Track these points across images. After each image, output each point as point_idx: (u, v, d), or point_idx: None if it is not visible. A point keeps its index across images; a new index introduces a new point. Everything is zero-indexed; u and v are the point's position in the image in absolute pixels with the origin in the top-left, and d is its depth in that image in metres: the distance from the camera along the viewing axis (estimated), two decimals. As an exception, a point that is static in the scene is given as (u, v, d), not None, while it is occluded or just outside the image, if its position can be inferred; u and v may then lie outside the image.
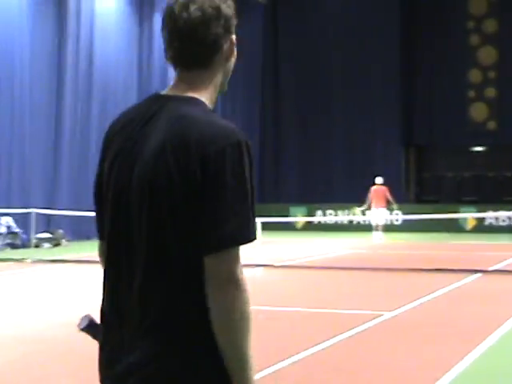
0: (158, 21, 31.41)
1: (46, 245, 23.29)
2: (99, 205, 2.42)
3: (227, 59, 2.41)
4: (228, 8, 2.37)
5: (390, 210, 26.61)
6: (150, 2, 30.84)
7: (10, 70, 23.96)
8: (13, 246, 22.65)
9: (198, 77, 2.35)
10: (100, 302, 2.38)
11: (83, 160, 27.30)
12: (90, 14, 27.41)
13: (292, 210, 32.65)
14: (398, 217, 28.43)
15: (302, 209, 32.73)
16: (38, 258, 18.29)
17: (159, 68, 32.17)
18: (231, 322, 2.14)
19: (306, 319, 10.58)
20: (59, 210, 23.93)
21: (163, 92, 2.39)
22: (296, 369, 7.54)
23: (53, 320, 10.26)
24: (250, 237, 2.18)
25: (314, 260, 19.30)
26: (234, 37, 2.41)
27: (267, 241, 20.46)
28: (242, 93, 36.87)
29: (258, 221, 19.02)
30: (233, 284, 2.15)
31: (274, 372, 7.30)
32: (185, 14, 2.29)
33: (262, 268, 17.16)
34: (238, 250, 2.17)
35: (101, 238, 2.45)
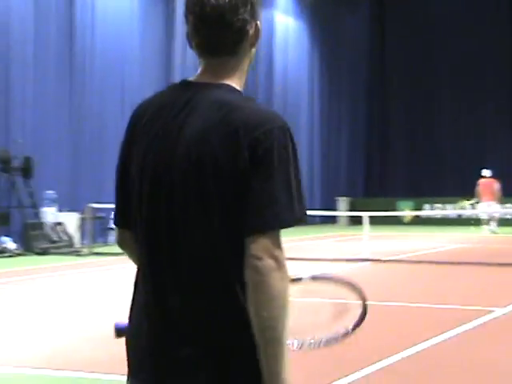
0: (264, 16, 31.52)
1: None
2: (123, 190, 2.38)
3: (252, 45, 2.38)
4: None
5: (502, 203, 26.03)
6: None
7: (120, 72, 24.52)
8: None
9: (227, 63, 2.32)
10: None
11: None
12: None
13: (399, 204, 32.26)
14: (510, 210, 27.77)
15: (410, 203, 32.31)
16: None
17: (265, 62, 32.32)
18: (269, 301, 2.07)
19: (414, 314, 10.44)
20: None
21: (192, 79, 2.35)
22: (407, 364, 7.46)
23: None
24: (293, 220, 2.16)
25: (422, 254, 19.02)
26: (258, 23, 2.37)
27: (374, 235, 20.28)
28: (347, 87, 36.77)
29: (365, 215, 18.89)
30: (273, 265, 2.09)
31: (385, 367, 7.24)
32: (212, 0, 2.25)
33: (369, 263, 17.03)
34: (278, 232, 2.15)
35: (123, 225, 2.39)
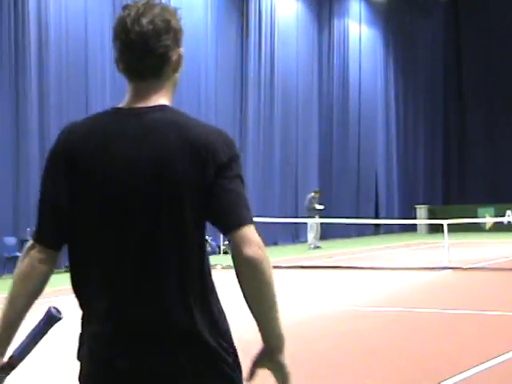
0: (337, 25, 31.52)
1: (234, 251, 23.86)
2: (55, 216, 2.45)
3: (175, 70, 2.53)
4: (177, 21, 2.49)
5: None
6: (328, 7, 31.02)
7: (195, 80, 24.80)
8: (203, 253, 23.36)
9: (153, 86, 2.49)
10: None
11: (267, 167, 27.80)
12: (270, 23, 27.94)
13: (480, 211, 31.71)
14: None
15: (490, 209, 31.72)
16: (227, 264, 18.76)
17: (339, 72, 32.28)
18: (260, 274, 2.39)
19: (498, 323, 10.24)
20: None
21: (124, 105, 2.49)
22: (493, 374, 7.32)
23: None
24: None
25: (504, 262, 18.65)
26: (182, 49, 2.53)
27: (454, 243, 19.99)
28: (422, 94, 36.47)
29: (445, 223, 18.64)
30: (257, 245, 2.39)
31: (472, 375, 7.13)
32: (137, 27, 2.42)
33: (450, 271, 16.78)
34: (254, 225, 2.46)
35: (52, 246, 2.47)
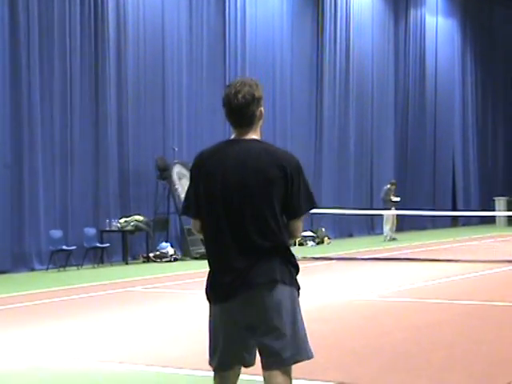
0: (413, 16, 31.21)
1: (310, 243, 23.89)
2: (197, 198, 4.23)
3: (259, 120, 4.26)
4: (259, 92, 4.22)
5: None
6: (405, -3, 30.78)
7: (270, 71, 24.85)
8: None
9: (247, 130, 4.24)
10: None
11: (343, 160, 27.70)
12: (345, 12, 27.81)
13: None
14: None
15: None
16: (303, 255, 18.79)
17: (415, 64, 31.96)
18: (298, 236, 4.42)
19: None
20: (321, 208, 24.43)
21: (233, 138, 4.27)
22: None
23: (315, 316, 10.51)
24: (310, 208, 4.26)
25: None
26: (262, 109, 4.26)
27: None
28: (501, 85, 35.84)
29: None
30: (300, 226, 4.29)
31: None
32: (235, 101, 4.16)
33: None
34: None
35: (196, 216, 4.27)
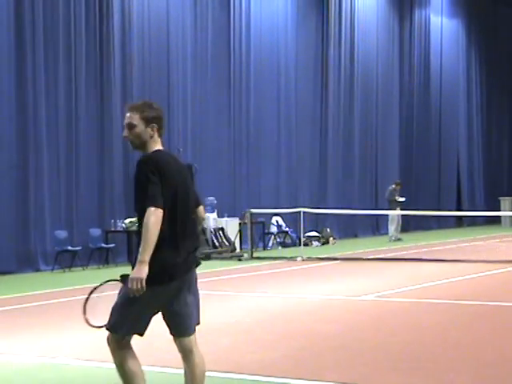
0: (418, 16, 31.19)
1: (315, 243, 23.87)
2: (168, 192, 5.03)
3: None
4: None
5: None
6: (409, -3, 30.75)
7: (275, 70, 24.87)
8: (283, 245, 23.47)
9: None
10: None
11: (347, 160, 27.70)
12: (350, 13, 27.79)
13: None
14: None
15: None
16: (308, 255, 18.80)
17: (420, 63, 31.97)
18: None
19: None
20: (326, 209, 24.42)
21: (162, 147, 5.29)
22: None
23: (321, 316, 10.51)
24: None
25: None
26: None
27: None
28: (506, 85, 35.76)
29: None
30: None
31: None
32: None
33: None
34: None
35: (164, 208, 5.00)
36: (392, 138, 30.29)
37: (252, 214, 20.63)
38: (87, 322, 5.33)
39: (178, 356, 7.93)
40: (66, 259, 17.75)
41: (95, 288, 5.38)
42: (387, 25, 29.85)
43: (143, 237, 4.87)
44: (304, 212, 20.31)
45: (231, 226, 21.61)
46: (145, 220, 4.90)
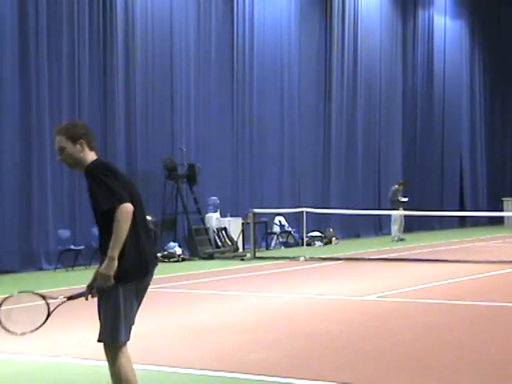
0: (421, 16, 31.16)
1: (318, 243, 23.87)
2: (131, 196, 5.12)
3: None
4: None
5: None
6: (413, -2, 30.73)
7: (278, 71, 24.87)
8: (286, 245, 23.47)
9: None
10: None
11: (350, 160, 27.69)
12: (353, 13, 27.78)
13: None
14: None
15: None
16: (310, 255, 18.79)
17: (424, 64, 31.93)
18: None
19: None
20: (329, 209, 24.41)
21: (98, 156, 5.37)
22: None
23: (327, 316, 10.51)
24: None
25: None
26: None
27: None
28: (510, 85, 35.70)
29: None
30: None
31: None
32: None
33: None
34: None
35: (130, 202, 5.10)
36: (395, 138, 30.27)
37: (255, 213, 20.63)
38: (7, 330, 5.61)
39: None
40: (68, 258, 17.75)
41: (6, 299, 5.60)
42: (390, 24, 29.84)
43: (114, 233, 4.94)
44: (307, 212, 20.30)
45: (234, 225, 21.62)
46: (117, 216, 4.94)
